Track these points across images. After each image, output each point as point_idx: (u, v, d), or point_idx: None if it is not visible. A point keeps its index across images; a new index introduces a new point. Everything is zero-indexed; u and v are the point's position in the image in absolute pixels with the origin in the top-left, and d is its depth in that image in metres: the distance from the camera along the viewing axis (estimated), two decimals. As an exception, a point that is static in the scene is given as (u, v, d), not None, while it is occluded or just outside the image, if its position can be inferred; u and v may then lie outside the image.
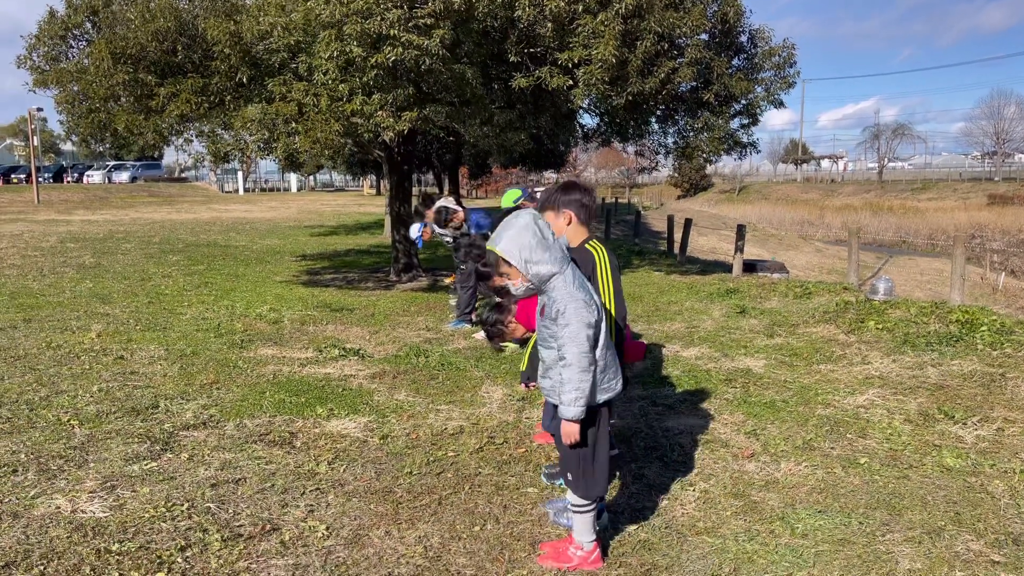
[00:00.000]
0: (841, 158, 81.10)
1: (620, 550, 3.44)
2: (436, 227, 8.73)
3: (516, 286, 3.05)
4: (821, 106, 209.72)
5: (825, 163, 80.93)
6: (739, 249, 13.62)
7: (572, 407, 2.98)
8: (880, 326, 8.05)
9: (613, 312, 3.43)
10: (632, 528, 3.65)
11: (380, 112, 8.95)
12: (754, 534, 3.61)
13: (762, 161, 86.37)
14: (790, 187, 68.16)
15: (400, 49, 8.42)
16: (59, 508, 3.66)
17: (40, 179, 40.47)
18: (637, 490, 4.11)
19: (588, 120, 14.89)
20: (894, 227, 41.97)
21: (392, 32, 8.34)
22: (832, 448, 4.76)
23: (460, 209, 8.59)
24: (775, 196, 61.98)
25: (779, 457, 4.60)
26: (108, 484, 3.95)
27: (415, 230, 9.14)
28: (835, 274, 20.81)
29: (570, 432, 3.05)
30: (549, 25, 9.26)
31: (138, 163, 55.09)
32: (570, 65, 9.42)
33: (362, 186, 63.72)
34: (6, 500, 3.74)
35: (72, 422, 4.92)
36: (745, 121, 11.34)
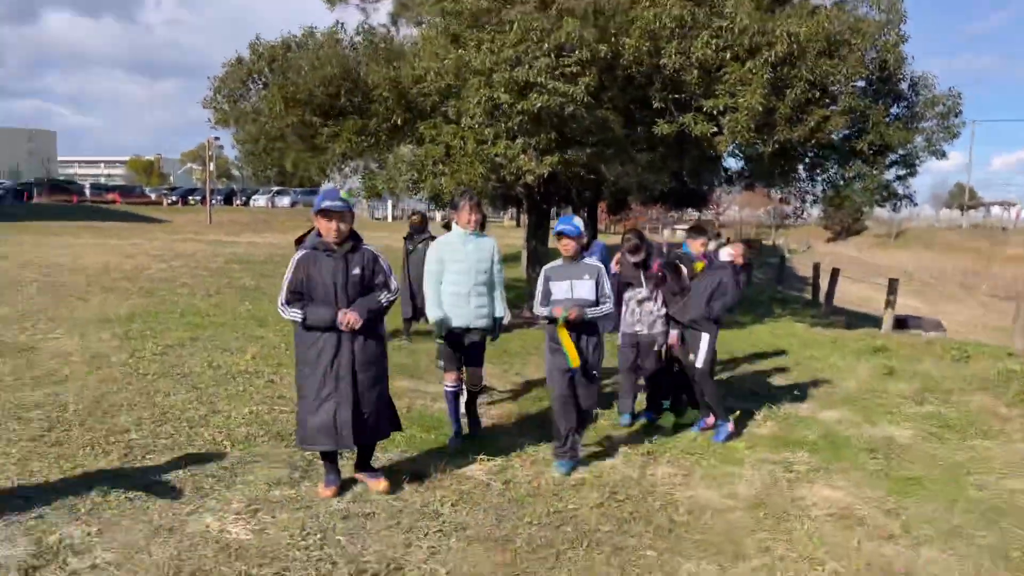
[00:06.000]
0: (1014, 205, 74.72)
1: (739, 628, 3.35)
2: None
3: None
4: (994, 148, 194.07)
5: (995, 210, 74.87)
6: (890, 304, 12.89)
7: None
8: (1048, 400, 7.38)
9: None
10: (753, 605, 3.54)
11: (522, 156, 9.21)
12: (886, 626, 3.41)
13: (924, 205, 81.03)
14: (954, 234, 63.51)
15: (546, 96, 8.67)
16: (208, 527, 3.99)
17: (213, 201, 44.07)
18: (761, 564, 3.98)
19: (732, 163, 14.63)
20: (1072, 282, 38.21)
21: (539, 80, 8.60)
22: (983, 536, 4.42)
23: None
24: (937, 243, 57.97)
25: (921, 542, 4.32)
26: (252, 507, 4.26)
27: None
28: (1000, 333, 19.17)
29: None
30: (695, 72, 9.25)
31: (298, 189, 58.85)
32: (715, 112, 9.35)
33: (503, 218, 65.04)
34: (164, 515, 4.11)
35: (225, 443, 5.34)
36: (902, 172, 10.79)
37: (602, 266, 5.20)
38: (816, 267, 18.77)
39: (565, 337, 5.02)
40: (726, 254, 6.50)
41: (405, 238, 9.62)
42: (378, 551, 3.84)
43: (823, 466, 5.58)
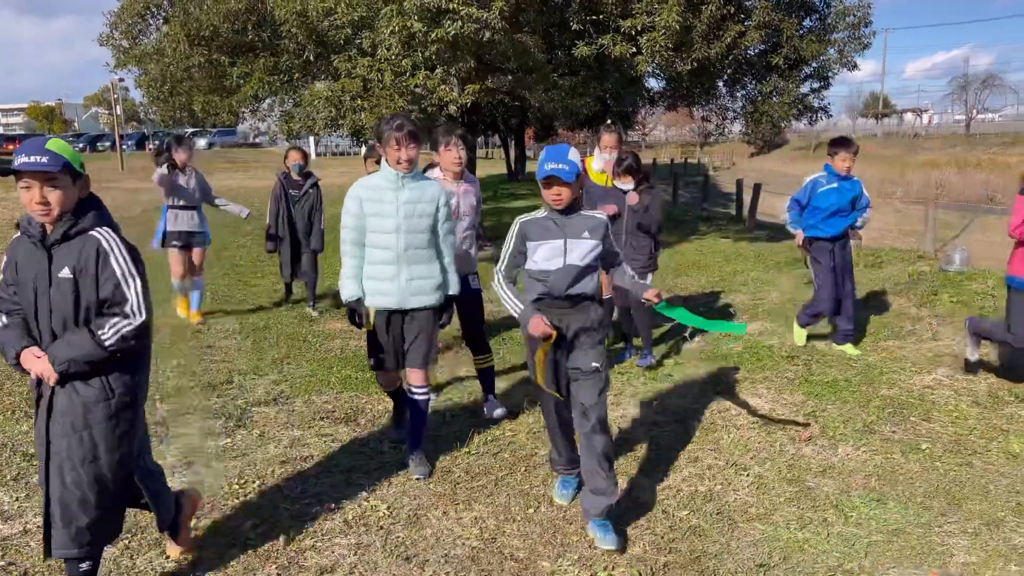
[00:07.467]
0: (925, 111, 77.14)
1: (670, 535, 3.52)
2: None
3: None
4: (907, 56, 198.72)
5: (908, 117, 77.18)
6: (810, 215, 13.27)
7: None
8: (954, 299, 7.80)
9: None
10: (684, 513, 3.72)
11: (442, 86, 9.03)
12: (806, 522, 3.64)
13: (840, 115, 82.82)
14: (869, 143, 65.26)
15: (460, 22, 8.45)
16: (143, 483, 3.94)
17: (124, 147, 42.06)
18: (691, 473, 4.16)
19: (654, 83, 14.65)
20: (980, 184, 39.98)
21: (452, 6, 8.37)
22: (893, 432, 4.71)
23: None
24: (854, 153, 59.62)
25: (837, 441, 4.58)
26: (187, 460, 4.23)
27: None
28: (913, 236, 20.03)
29: None
30: (611, -9, 9.14)
31: (214, 130, 56.59)
32: (633, 32, 9.29)
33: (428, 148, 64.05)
34: (96, 474, 4.04)
35: (154, 398, 5.24)
36: (816, 85, 10.99)
37: (605, 216, 3.49)
38: (739, 183, 19.11)
39: (540, 357, 3.40)
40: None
41: (283, 178, 7.83)
42: (317, 492, 3.87)
43: (747, 376, 5.82)
